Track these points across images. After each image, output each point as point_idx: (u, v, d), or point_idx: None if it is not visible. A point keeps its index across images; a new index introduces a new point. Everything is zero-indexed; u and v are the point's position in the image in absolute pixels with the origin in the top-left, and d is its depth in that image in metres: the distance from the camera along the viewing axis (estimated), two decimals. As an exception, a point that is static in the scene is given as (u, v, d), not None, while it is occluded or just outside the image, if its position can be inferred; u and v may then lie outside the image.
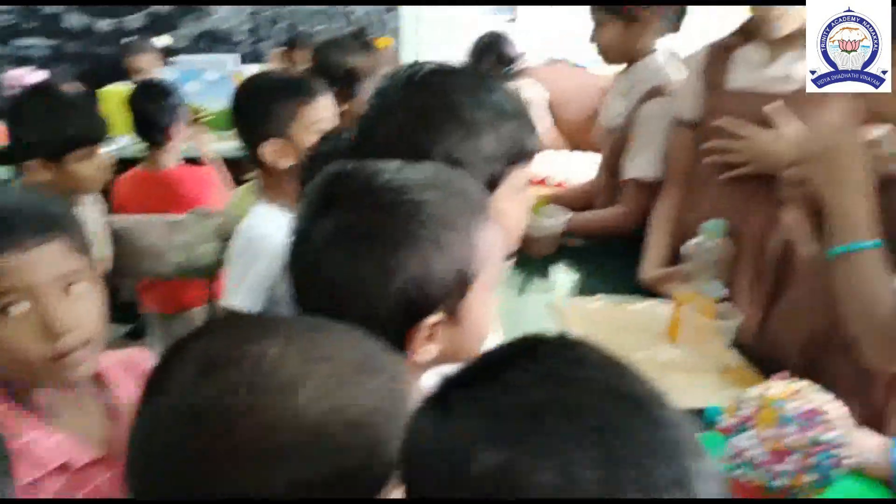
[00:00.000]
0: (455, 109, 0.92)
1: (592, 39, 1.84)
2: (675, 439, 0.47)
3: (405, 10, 4.26)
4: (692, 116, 1.62)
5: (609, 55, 1.86)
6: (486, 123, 0.93)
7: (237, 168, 3.26)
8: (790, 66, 1.44)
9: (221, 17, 4.31)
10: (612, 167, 1.88)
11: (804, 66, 1.38)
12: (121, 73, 3.78)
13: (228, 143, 3.25)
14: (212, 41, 4.36)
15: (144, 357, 1.01)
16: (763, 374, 1.17)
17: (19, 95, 1.98)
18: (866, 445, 1.00)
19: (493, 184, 0.93)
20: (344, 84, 1.89)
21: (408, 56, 3.98)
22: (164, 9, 4.28)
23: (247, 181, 3.21)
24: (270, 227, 1.45)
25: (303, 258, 0.77)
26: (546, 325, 1.50)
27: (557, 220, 1.79)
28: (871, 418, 1.09)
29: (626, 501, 0.44)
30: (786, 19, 1.42)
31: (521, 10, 4.15)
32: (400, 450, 0.52)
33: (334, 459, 0.54)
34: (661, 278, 1.61)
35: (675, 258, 1.61)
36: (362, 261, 0.72)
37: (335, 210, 0.75)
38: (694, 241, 1.43)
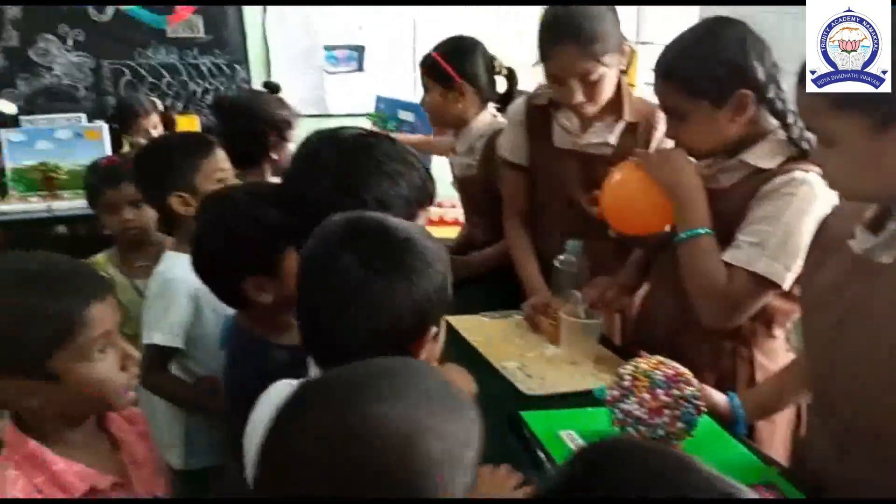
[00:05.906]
0: (379, 164, 1.15)
1: (422, 102, 2.04)
2: None
3: (253, 59, 4.34)
4: (520, 161, 1.84)
5: (433, 118, 2.09)
6: (400, 174, 1.16)
7: (91, 226, 3.23)
8: (604, 135, 1.70)
9: (60, 74, 4.18)
10: (482, 210, 2.11)
11: (614, 136, 1.70)
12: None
13: (82, 202, 3.21)
14: (50, 99, 4.21)
15: None
16: (627, 360, 1.44)
17: None
18: (714, 397, 1.29)
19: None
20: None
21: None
22: (-3, 66, 4.09)
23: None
24: (183, 272, 1.53)
25: (330, 280, 0.93)
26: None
27: None
28: (722, 382, 1.39)
29: None
30: (590, 105, 1.64)
31: (367, 61, 4.38)
32: None
33: None
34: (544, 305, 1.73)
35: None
36: (394, 281, 0.91)
37: (359, 247, 0.92)
38: (561, 256, 1.68)
